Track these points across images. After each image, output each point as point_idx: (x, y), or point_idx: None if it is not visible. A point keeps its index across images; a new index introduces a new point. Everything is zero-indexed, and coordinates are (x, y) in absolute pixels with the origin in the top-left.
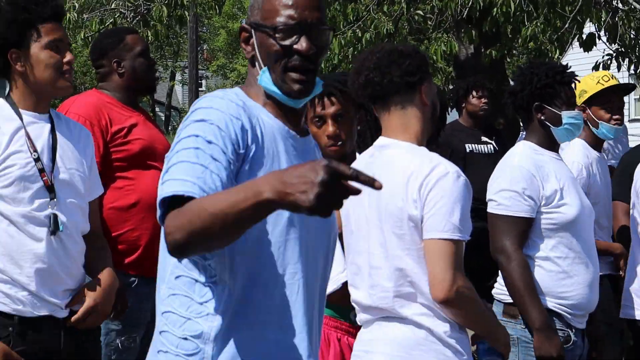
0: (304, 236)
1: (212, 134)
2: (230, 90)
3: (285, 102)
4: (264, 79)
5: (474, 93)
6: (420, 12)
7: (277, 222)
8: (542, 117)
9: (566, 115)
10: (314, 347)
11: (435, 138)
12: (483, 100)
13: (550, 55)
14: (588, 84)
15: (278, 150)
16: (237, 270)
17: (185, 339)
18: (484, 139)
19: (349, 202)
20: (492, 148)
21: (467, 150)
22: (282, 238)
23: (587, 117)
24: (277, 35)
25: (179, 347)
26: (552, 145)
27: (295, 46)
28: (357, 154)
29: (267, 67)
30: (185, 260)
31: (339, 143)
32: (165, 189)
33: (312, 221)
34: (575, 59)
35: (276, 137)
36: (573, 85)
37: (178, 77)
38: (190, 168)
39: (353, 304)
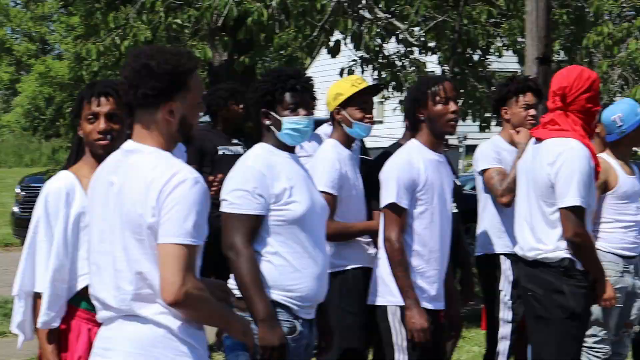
0: None
1: None
2: None
3: None
4: None
5: (234, 101)
6: (178, 20)
7: None
8: (269, 123)
9: (286, 121)
10: None
11: (189, 140)
12: (242, 107)
13: (300, 61)
14: (343, 87)
15: None
16: None
17: None
18: (234, 141)
19: (95, 202)
20: (242, 150)
21: (220, 152)
22: None
23: (342, 118)
24: None
25: None
26: (285, 146)
27: None
28: None
29: None
30: None
31: (109, 137)
32: None
33: None
34: (324, 64)
35: None
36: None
37: None
38: None
39: (93, 301)
